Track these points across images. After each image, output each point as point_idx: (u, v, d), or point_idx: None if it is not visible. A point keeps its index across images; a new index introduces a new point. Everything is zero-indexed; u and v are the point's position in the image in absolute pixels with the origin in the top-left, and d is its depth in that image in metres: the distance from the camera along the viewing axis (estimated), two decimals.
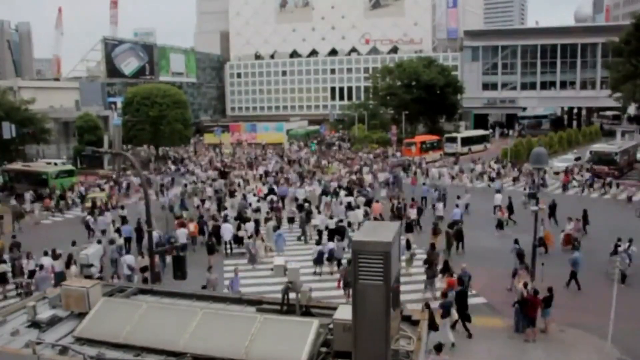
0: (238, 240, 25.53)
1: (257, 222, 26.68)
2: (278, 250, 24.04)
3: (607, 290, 15.59)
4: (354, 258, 6.28)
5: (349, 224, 25.62)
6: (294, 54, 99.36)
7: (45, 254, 20.97)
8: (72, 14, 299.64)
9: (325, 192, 33.75)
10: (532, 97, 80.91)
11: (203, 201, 33.08)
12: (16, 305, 8.91)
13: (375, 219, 27.48)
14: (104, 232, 26.71)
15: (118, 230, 25.91)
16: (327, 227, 25.40)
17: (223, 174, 43.50)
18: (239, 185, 39.83)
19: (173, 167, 53.18)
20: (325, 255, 21.90)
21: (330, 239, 23.61)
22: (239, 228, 25.88)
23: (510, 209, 29.18)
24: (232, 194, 35.04)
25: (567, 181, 38.72)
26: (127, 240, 25.39)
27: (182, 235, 24.77)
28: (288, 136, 75.19)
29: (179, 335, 7.19)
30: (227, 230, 25.33)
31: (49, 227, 32.02)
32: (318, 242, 23.12)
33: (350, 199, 31.15)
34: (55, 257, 20.79)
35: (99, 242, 23.79)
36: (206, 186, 38.54)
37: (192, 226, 26.48)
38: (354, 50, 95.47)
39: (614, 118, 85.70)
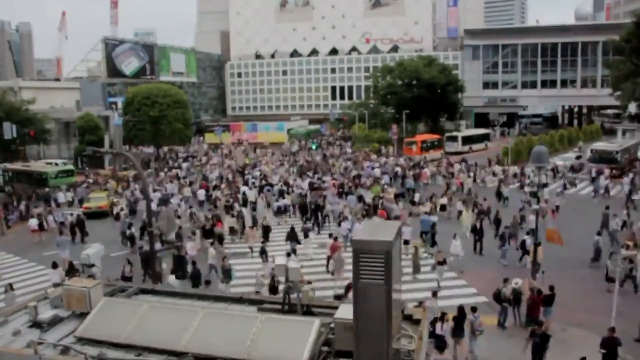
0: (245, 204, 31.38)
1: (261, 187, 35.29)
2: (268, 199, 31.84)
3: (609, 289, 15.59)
4: (355, 257, 6.27)
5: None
6: (295, 54, 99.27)
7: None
8: (72, 14, 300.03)
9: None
10: (533, 96, 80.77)
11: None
12: (17, 305, 8.91)
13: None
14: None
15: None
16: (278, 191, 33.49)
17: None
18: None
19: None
20: (282, 208, 30.33)
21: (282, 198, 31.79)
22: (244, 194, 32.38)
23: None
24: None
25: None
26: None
27: (201, 194, 30.92)
28: (289, 135, 75.24)
29: (180, 335, 7.19)
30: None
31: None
32: (277, 200, 31.24)
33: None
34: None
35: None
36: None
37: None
38: (354, 49, 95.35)
39: (615, 116, 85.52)
